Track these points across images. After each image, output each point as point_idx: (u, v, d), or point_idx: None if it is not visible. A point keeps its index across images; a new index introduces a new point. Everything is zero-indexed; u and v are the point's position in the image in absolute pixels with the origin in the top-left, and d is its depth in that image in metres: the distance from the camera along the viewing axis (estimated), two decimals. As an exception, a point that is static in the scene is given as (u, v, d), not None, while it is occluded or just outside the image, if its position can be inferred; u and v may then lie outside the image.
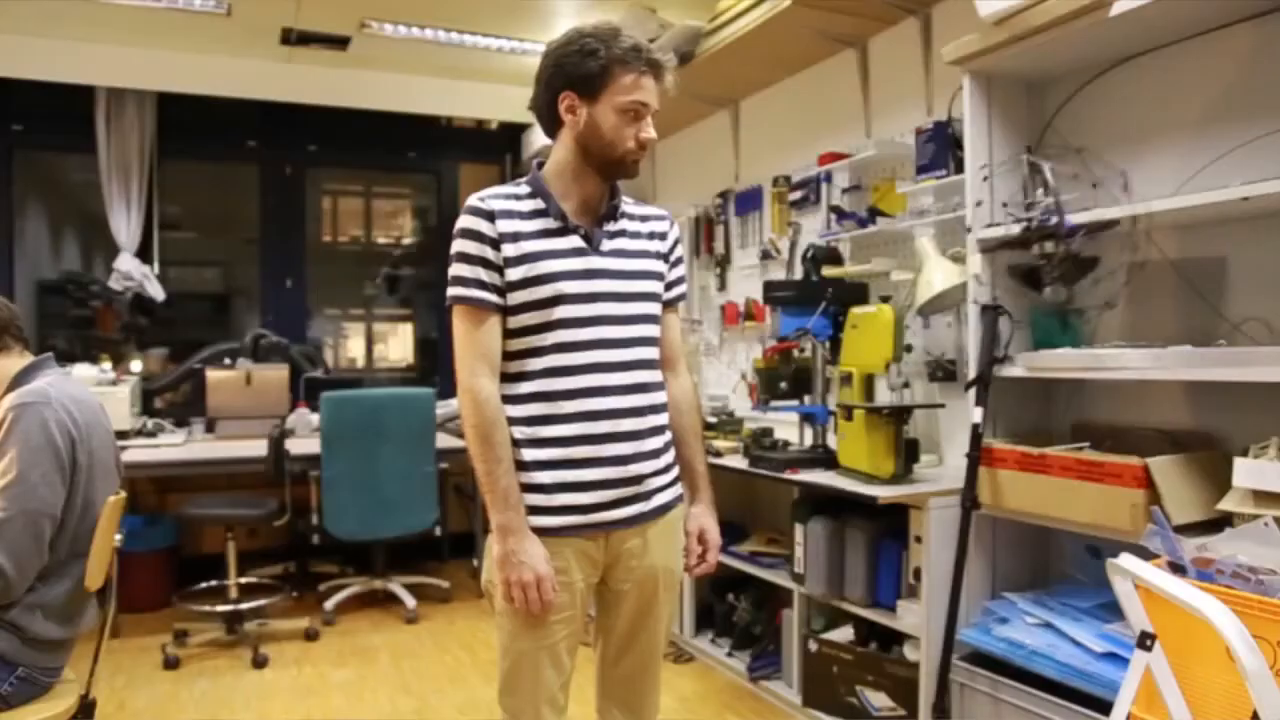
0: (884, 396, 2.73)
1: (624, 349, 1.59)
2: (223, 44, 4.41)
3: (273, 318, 5.16)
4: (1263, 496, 1.71)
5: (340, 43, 4.37)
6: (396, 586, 4.20)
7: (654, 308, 1.66)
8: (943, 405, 2.81)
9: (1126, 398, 2.30)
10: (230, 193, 5.35)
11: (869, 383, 2.72)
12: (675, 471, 1.71)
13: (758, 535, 3.44)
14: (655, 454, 1.63)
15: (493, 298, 1.55)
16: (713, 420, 3.71)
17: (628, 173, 1.60)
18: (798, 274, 3.39)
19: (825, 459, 2.82)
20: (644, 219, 1.69)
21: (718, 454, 3.23)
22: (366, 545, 4.26)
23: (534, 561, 1.51)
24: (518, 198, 1.59)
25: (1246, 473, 1.74)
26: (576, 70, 1.55)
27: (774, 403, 3.10)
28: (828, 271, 3.10)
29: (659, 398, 1.66)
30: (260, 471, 3.87)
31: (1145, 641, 1.46)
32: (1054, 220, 2.09)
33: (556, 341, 1.55)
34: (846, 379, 2.70)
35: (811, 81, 3.54)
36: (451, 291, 1.56)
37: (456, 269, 1.56)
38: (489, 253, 1.54)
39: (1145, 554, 1.56)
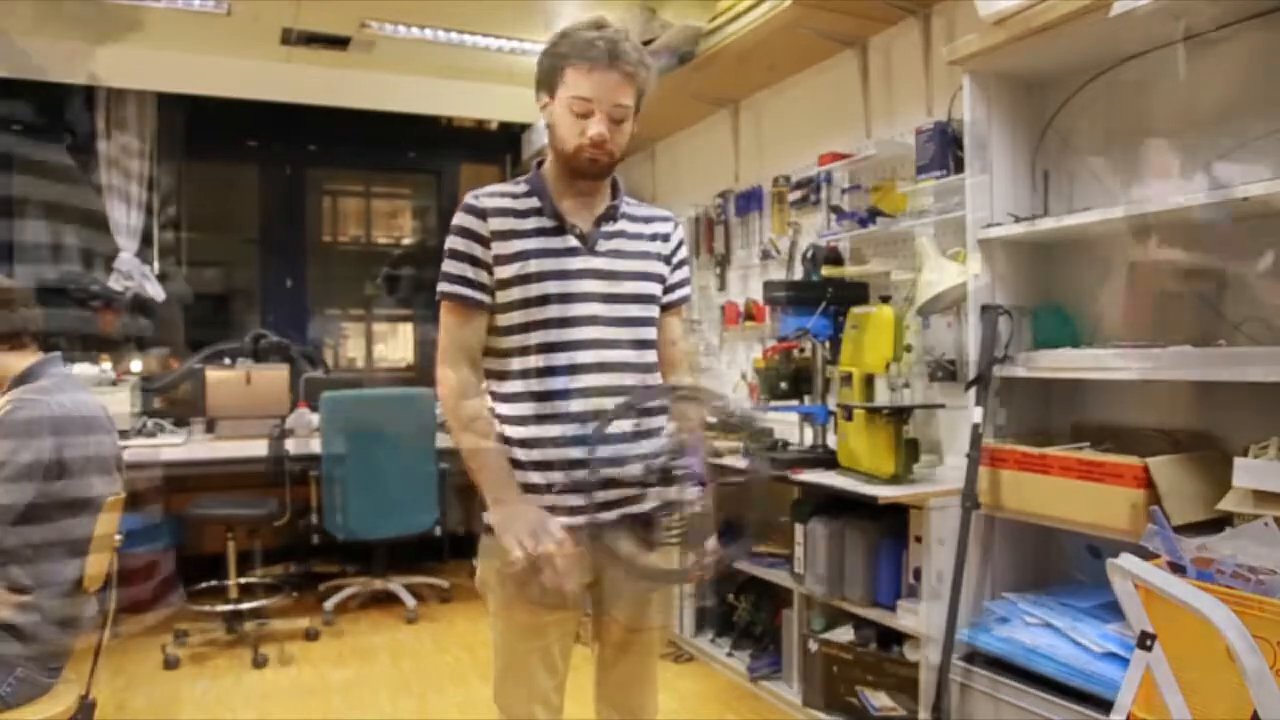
0: (884, 396, 2.73)
1: (614, 350, 1.58)
2: (223, 44, 4.41)
3: (273, 318, 5.16)
4: (1263, 496, 1.71)
5: (340, 43, 4.37)
6: (397, 586, 4.21)
7: (649, 309, 1.64)
8: (943, 405, 2.81)
9: (1126, 398, 2.29)
10: (230, 193, 5.35)
11: (869, 383, 2.71)
12: None
13: (758, 535, 3.44)
14: (649, 456, 1.61)
15: (478, 295, 1.55)
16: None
17: (585, 171, 1.56)
18: (798, 274, 3.39)
19: (825, 459, 2.82)
20: (647, 220, 1.68)
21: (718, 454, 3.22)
22: (367, 545, 4.25)
23: (539, 515, 1.47)
24: (514, 196, 1.59)
25: (1246, 473, 1.74)
26: (540, 70, 1.57)
27: (774, 403, 3.10)
28: (828, 271, 3.10)
29: None
30: (260, 471, 3.87)
31: (1145, 641, 1.46)
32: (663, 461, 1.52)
33: (544, 341, 1.54)
34: (846, 379, 2.70)
35: (811, 81, 3.54)
36: (440, 286, 1.57)
37: (446, 265, 1.57)
38: (478, 250, 1.55)
39: (1145, 554, 1.56)
